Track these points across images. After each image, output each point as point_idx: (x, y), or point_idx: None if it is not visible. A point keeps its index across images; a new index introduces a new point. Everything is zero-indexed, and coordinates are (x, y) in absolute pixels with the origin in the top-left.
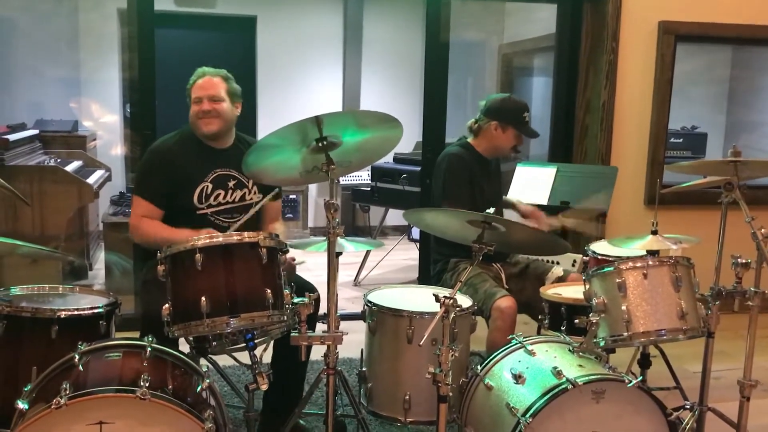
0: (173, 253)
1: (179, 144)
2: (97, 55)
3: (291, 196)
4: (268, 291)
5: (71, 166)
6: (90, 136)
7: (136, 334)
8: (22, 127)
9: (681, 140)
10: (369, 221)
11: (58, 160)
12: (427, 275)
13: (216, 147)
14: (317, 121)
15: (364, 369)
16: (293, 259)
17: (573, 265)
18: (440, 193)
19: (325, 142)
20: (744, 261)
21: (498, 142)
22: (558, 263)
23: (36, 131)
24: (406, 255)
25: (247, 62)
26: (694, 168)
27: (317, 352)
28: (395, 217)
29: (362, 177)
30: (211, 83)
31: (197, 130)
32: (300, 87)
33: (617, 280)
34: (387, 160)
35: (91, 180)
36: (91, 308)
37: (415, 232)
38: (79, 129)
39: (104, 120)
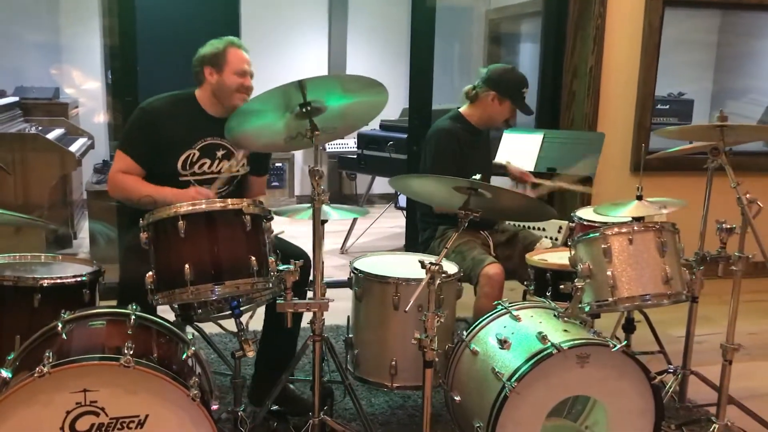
0: (156, 221)
1: (172, 107)
2: (77, 21)
3: (277, 164)
4: (253, 258)
5: (53, 134)
6: (72, 103)
7: None
8: (2, 94)
9: (668, 107)
10: (356, 189)
11: (40, 128)
12: (413, 243)
13: (215, 116)
14: (301, 85)
15: (350, 336)
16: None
17: (559, 232)
18: (429, 168)
19: (309, 108)
20: (728, 226)
21: (493, 113)
22: (544, 229)
23: (16, 98)
24: (392, 222)
25: (230, 26)
26: (680, 133)
27: (307, 319)
28: (382, 184)
29: (348, 144)
30: (247, 58)
31: (230, 103)
32: (285, 52)
33: (602, 246)
34: (373, 127)
35: (73, 148)
36: (74, 277)
37: (402, 201)
38: (61, 96)
39: (86, 87)
